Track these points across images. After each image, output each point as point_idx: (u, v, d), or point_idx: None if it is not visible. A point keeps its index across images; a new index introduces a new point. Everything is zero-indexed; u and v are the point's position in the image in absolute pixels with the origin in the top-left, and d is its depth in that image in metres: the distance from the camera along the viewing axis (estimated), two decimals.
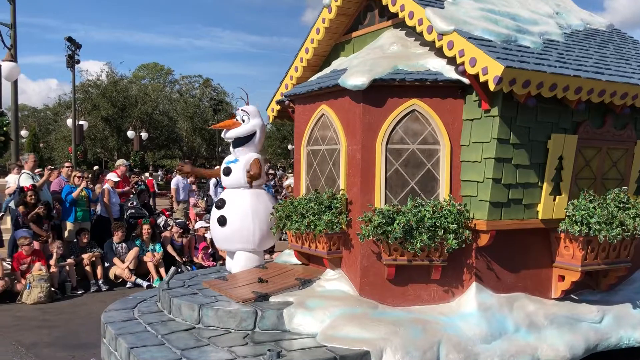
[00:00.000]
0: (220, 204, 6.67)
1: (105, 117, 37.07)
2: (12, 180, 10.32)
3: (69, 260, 9.07)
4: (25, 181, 9.59)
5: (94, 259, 9.51)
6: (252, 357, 4.45)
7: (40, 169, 11.25)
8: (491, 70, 4.81)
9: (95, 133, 37.07)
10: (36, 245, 8.91)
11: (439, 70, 5.51)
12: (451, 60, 5.41)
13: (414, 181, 5.53)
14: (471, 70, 5.01)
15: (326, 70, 6.55)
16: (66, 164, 11.50)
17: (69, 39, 27.46)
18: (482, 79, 4.92)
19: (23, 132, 33.98)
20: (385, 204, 5.46)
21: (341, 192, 5.72)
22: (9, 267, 8.81)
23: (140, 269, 9.72)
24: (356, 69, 5.59)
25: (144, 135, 34.86)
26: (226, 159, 6.90)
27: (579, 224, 5.45)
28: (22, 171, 10.08)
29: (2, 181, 11.32)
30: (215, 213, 6.77)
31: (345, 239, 5.71)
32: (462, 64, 5.10)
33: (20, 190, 9.37)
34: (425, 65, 5.61)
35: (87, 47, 47.46)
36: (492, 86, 4.82)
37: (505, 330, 5.26)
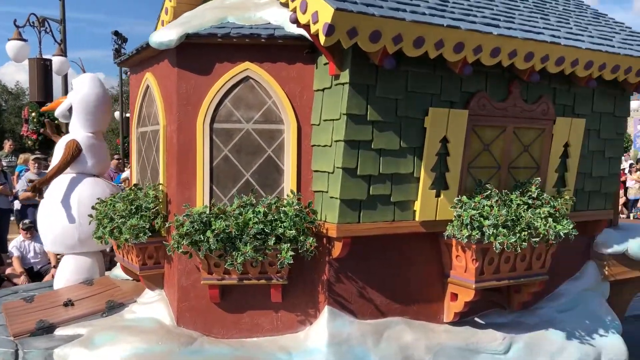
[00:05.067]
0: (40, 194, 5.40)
1: None
2: None
3: None
4: None
5: None
6: None
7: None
8: (321, 15, 3.41)
9: None
10: None
11: (281, 24, 4.12)
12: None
13: (249, 172, 4.16)
14: (303, 19, 3.61)
15: None
16: (115, 156, 11.87)
17: (116, 33, 27.07)
18: (312, 29, 3.53)
19: None
20: (211, 202, 4.09)
21: (160, 187, 4.35)
22: None
23: None
24: (173, 23, 4.20)
25: None
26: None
27: (468, 227, 4.09)
28: None
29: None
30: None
31: (165, 250, 4.33)
32: (295, 10, 3.70)
33: None
34: (265, 17, 4.21)
35: (133, 41, 46.79)
36: (322, 39, 3.43)
37: None
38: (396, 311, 4.37)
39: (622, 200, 18.68)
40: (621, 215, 18.08)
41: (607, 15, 5.47)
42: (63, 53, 14.00)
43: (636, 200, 18.64)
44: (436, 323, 4.51)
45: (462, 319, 4.57)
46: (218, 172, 4.13)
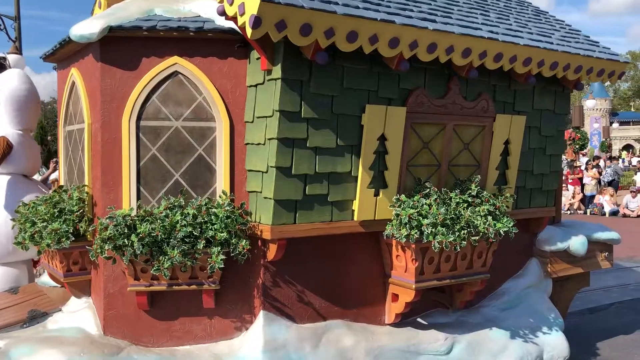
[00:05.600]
0: None
1: None
2: None
3: None
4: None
5: None
6: None
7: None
8: (248, 7, 3.25)
9: None
10: None
11: (211, 17, 3.94)
12: None
13: (179, 172, 3.96)
14: (230, 11, 3.44)
15: None
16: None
17: None
18: (240, 21, 3.36)
19: None
20: (137, 204, 3.87)
21: (85, 188, 4.11)
22: None
23: None
24: (96, 15, 3.97)
25: None
26: None
27: (406, 226, 3.99)
28: None
29: None
30: None
31: None
32: (222, 1, 3.52)
33: None
34: (194, 9, 4.03)
35: None
36: (249, 31, 3.27)
37: None
38: (336, 314, 4.24)
39: (579, 196, 19.15)
40: (579, 212, 18.53)
41: (548, 12, 5.48)
42: (18, 51, 13.92)
43: (593, 197, 19.12)
44: (377, 325, 4.42)
45: (404, 319, 4.49)
46: (145, 173, 3.92)
